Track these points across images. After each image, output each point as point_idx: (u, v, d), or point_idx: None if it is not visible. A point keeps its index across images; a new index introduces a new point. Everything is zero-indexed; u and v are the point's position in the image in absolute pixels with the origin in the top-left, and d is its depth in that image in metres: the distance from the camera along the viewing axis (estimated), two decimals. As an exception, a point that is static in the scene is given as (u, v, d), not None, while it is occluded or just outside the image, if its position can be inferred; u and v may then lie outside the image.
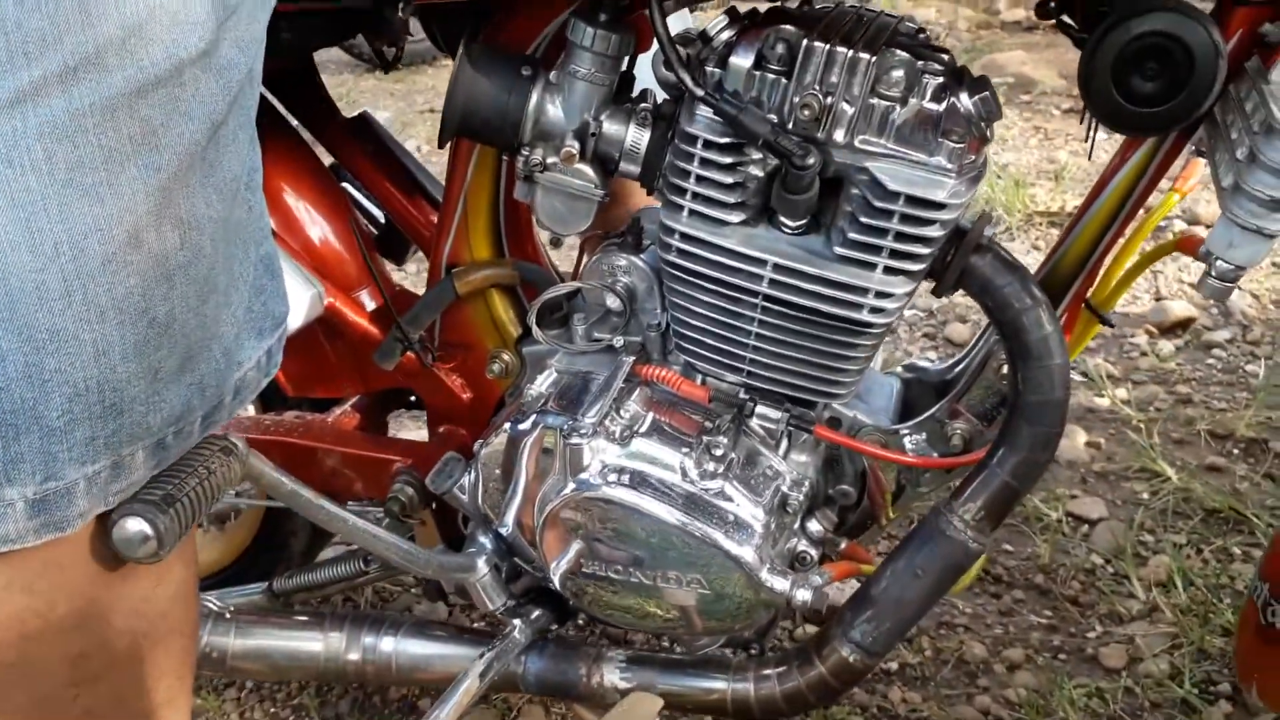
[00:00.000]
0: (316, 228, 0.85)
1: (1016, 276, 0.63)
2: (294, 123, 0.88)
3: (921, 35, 0.64)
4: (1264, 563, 0.78)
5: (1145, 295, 1.91)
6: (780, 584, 0.66)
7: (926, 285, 0.66)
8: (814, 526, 0.72)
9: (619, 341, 0.73)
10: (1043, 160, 2.64)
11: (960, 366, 0.75)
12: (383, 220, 0.93)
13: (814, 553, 0.71)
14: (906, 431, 0.73)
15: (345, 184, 0.90)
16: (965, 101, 0.59)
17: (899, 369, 0.80)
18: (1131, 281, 0.71)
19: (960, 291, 0.65)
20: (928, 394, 0.76)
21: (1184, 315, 1.77)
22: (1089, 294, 0.69)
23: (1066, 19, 0.60)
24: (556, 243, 0.81)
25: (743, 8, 0.66)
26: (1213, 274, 0.59)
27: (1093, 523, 1.28)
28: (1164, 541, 1.24)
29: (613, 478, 0.67)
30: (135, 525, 0.45)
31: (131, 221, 0.44)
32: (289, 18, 0.65)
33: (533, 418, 0.70)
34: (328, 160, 0.90)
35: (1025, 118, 2.96)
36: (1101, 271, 0.69)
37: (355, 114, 0.91)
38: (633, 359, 0.72)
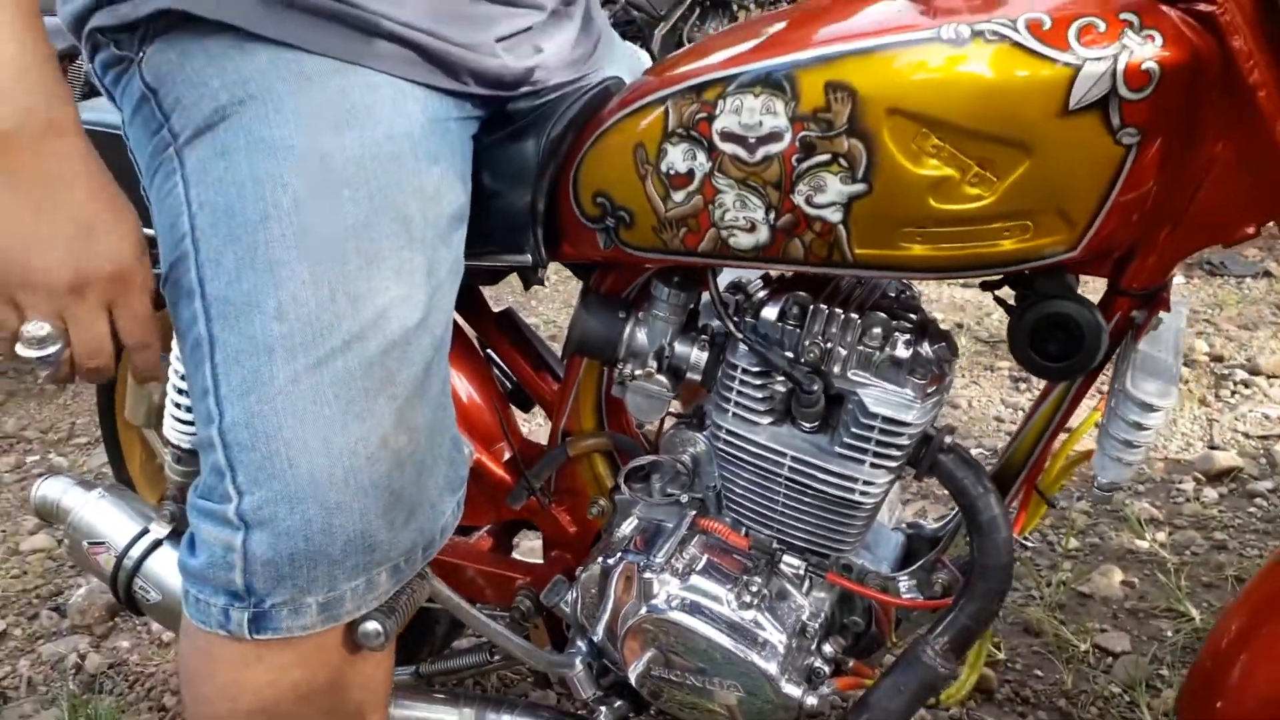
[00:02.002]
0: (467, 397, 1.14)
1: (972, 471, 0.86)
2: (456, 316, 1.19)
3: (905, 295, 0.90)
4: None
5: (1199, 443, 2.05)
6: (795, 692, 0.89)
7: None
8: (827, 648, 0.95)
9: (685, 498, 0.99)
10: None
11: (943, 527, 0.97)
12: (513, 384, 1.22)
13: (827, 669, 0.93)
14: (902, 578, 0.95)
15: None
16: (926, 350, 0.83)
17: (904, 525, 1.03)
18: (1071, 472, 0.93)
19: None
20: (923, 547, 0.99)
21: (1230, 464, 1.90)
22: (1038, 481, 0.91)
23: (1002, 295, 0.84)
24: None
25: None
26: (1096, 486, 0.81)
27: (1116, 655, 1.44)
28: (1178, 675, 1.39)
29: (674, 604, 0.92)
30: (373, 625, 0.73)
31: (381, 432, 0.73)
32: (467, 269, 0.94)
33: (619, 554, 0.96)
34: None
35: (1107, 257, 3.11)
36: (1046, 465, 0.91)
37: (502, 309, 1.21)
38: (694, 512, 0.97)
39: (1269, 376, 2.24)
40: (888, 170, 0.70)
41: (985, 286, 0.85)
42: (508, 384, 1.23)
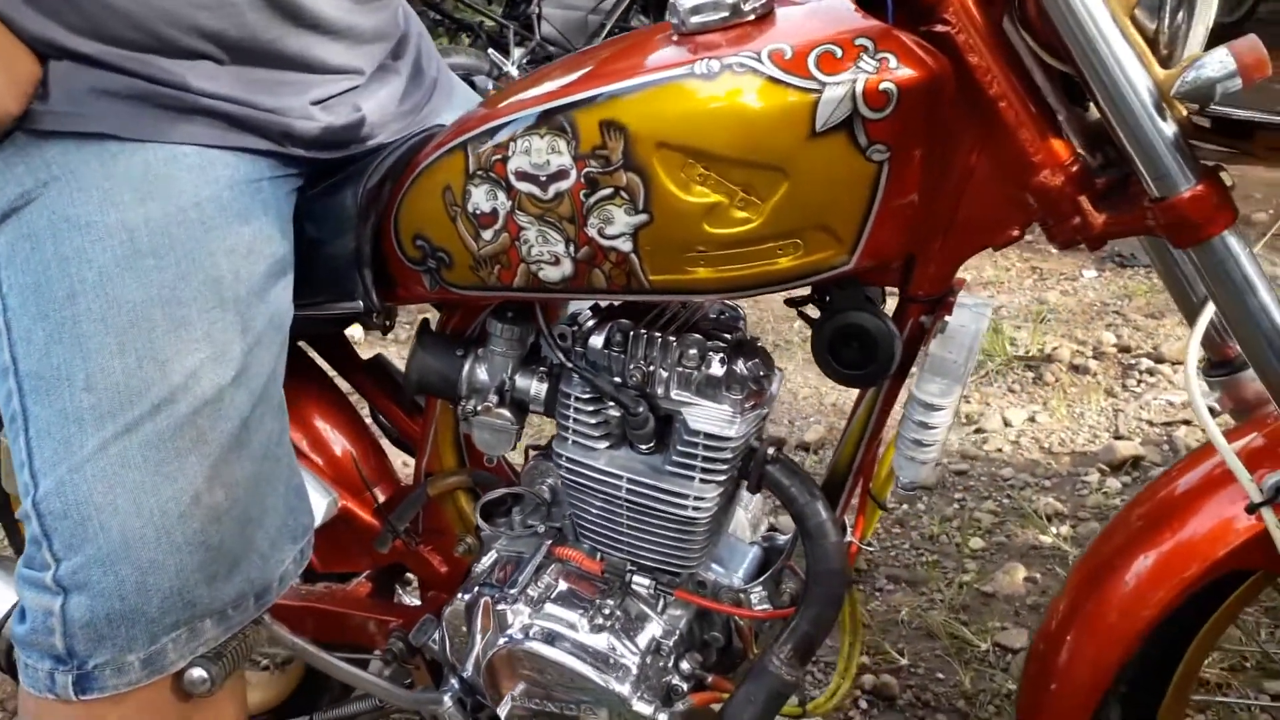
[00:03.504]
0: (337, 445, 1.16)
1: (798, 479, 0.89)
2: (323, 364, 1.21)
3: (726, 316, 0.93)
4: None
5: (1105, 434, 2.10)
6: (646, 709, 0.91)
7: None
8: (685, 665, 0.96)
9: (542, 528, 1.01)
10: (1032, 301, 2.86)
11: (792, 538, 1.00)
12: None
13: (684, 685, 0.95)
14: (754, 590, 0.97)
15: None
16: (741, 367, 0.86)
17: (761, 539, 1.05)
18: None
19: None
20: (777, 558, 1.01)
21: (1132, 453, 1.95)
22: (870, 486, 0.94)
23: (806, 310, 0.87)
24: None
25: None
26: (899, 486, 0.84)
27: (1015, 652, 1.47)
28: (1072, 666, 1.41)
29: (530, 633, 0.93)
30: (198, 672, 0.74)
31: (193, 489, 0.75)
32: (300, 320, 0.96)
33: (476, 588, 0.97)
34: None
35: (1024, 258, 3.19)
36: (875, 470, 0.94)
37: (372, 355, 1.23)
38: (550, 541, 0.99)
39: (1173, 364, 2.30)
40: (663, 200, 0.73)
41: (790, 303, 0.88)
42: (394, 430, 1.25)
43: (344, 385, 1.22)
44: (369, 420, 1.23)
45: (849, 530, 0.97)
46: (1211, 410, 0.75)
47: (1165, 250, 0.94)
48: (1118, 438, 2.07)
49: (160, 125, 0.78)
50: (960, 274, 0.85)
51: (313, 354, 1.20)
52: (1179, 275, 0.93)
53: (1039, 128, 0.71)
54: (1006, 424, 2.20)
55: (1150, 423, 2.11)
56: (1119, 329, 2.58)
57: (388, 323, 1.08)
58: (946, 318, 0.80)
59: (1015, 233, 0.77)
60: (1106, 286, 2.89)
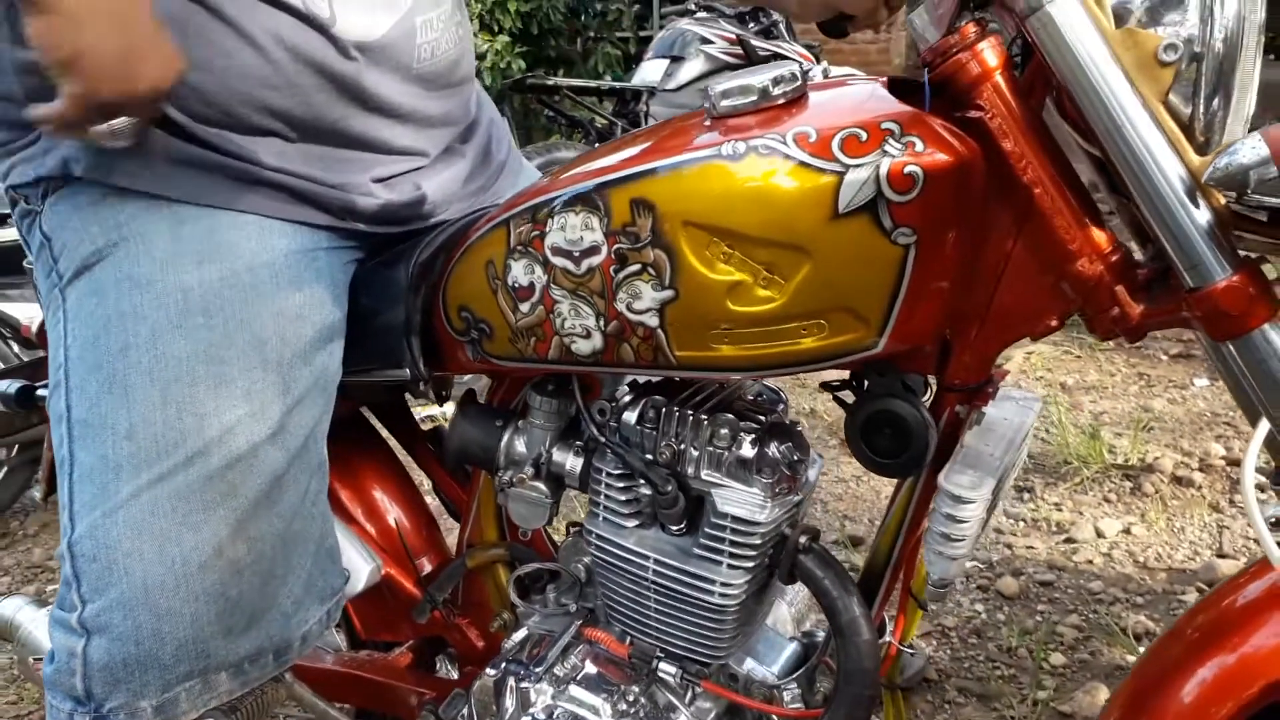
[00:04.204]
0: (389, 514, 1.18)
1: (832, 572, 0.86)
2: (384, 433, 1.24)
3: (763, 398, 0.92)
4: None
5: (1207, 551, 1.96)
6: (665, 803, 0.87)
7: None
8: (712, 760, 0.93)
9: (574, 607, 1.00)
10: (1136, 408, 2.73)
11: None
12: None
13: (710, 781, 0.91)
14: (788, 686, 0.94)
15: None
16: (774, 449, 0.85)
17: (801, 634, 1.01)
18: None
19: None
20: (815, 654, 0.97)
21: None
22: (911, 585, 0.90)
23: (842, 396, 0.86)
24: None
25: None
26: (930, 583, 0.80)
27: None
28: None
29: (552, 714, 0.92)
30: (209, 728, 0.75)
31: (216, 541, 0.77)
32: (352, 386, 0.99)
33: (504, 665, 0.96)
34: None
35: (1131, 363, 3.05)
36: (916, 567, 0.90)
37: (431, 427, 1.26)
38: (580, 621, 0.98)
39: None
40: (689, 276, 0.74)
41: (825, 386, 0.87)
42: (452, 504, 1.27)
43: (405, 457, 1.25)
44: (429, 492, 1.26)
45: (888, 630, 0.93)
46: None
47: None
48: (1220, 555, 1.93)
49: (228, 194, 0.83)
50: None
51: (375, 423, 1.24)
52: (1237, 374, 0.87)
53: (1076, 215, 0.69)
54: (1099, 535, 2.08)
55: (1256, 541, 1.96)
56: (1229, 441, 2.43)
57: (444, 393, 1.11)
58: (984, 408, 0.78)
59: (1054, 322, 0.74)
60: (1218, 396, 2.74)
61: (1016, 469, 0.87)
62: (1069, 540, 2.07)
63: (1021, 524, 2.17)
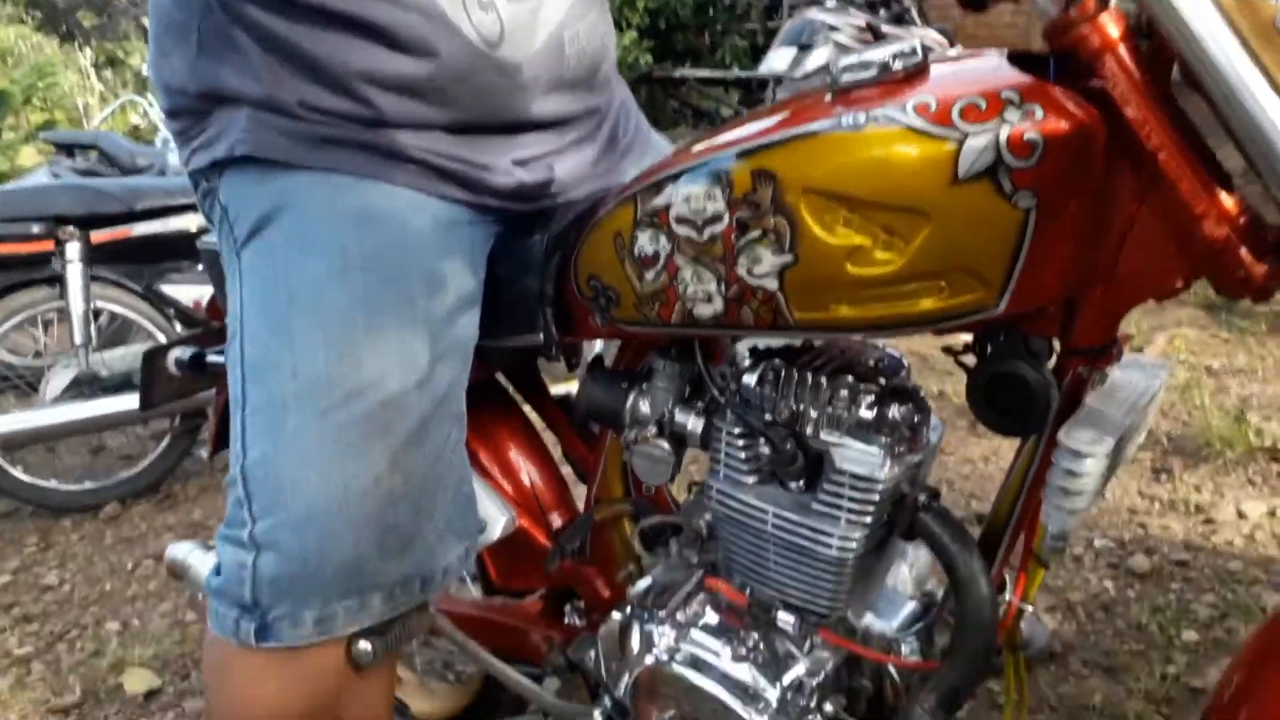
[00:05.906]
0: (523, 471, 1.26)
1: (951, 528, 0.88)
2: (519, 399, 1.32)
3: (885, 362, 0.94)
4: None
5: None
6: (781, 745, 0.92)
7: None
8: (828, 707, 0.96)
9: (696, 560, 1.05)
10: (1290, 392, 2.58)
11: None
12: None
13: (825, 727, 0.95)
14: (906, 639, 0.96)
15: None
16: (894, 412, 0.87)
17: (921, 594, 1.03)
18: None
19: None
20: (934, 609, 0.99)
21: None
22: (1035, 544, 0.91)
23: (963, 358, 0.87)
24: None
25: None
26: (1047, 540, 0.81)
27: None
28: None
29: (674, 656, 0.97)
30: (364, 644, 0.84)
31: (374, 471, 0.85)
32: (485, 350, 1.06)
33: (629, 609, 1.02)
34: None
35: (1286, 347, 2.89)
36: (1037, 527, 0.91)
37: (561, 393, 1.33)
38: (703, 571, 1.03)
39: None
40: (809, 241, 0.77)
41: (947, 350, 0.88)
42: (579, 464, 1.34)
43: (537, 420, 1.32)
44: (559, 454, 1.33)
45: (1009, 588, 0.94)
46: None
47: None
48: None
49: (381, 168, 0.91)
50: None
51: (510, 388, 1.32)
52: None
53: (1201, 179, 0.69)
54: (1241, 516, 2.00)
55: None
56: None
57: (573, 359, 1.18)
58: (1108, 369, 0.78)
59: (1179, 284, 0.74)
60: (1379, 372, 2.57)
61: (1140, 433, 0.87)
62: (1208, 521, 2.00)
63: (1158, 504, 2.11)
